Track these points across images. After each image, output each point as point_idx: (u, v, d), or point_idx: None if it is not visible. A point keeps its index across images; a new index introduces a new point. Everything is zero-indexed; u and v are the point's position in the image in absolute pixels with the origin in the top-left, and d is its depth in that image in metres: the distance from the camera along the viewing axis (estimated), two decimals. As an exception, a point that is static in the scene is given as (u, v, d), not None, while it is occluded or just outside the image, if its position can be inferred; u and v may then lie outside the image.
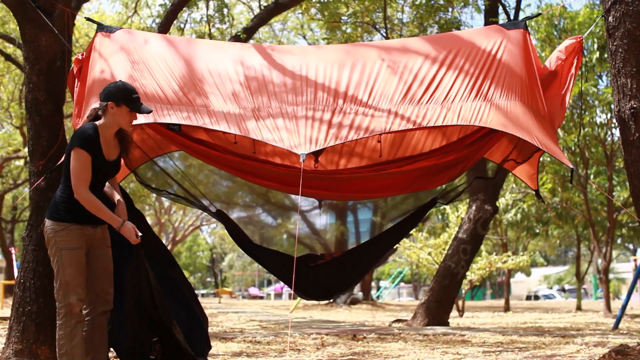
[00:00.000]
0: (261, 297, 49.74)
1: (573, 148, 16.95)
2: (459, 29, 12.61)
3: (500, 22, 12.13)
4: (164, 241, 14.26)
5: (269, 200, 7.39)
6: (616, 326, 11.36)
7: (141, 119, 4.77)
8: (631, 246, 41.57)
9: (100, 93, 4.40)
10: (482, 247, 19.03)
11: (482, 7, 13.41)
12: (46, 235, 4.33)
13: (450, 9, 13.26)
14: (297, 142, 4.56)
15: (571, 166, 4.68)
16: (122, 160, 4.95)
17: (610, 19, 5.27)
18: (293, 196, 6.91)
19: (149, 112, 4.39)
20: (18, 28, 6.02)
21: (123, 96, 4.32)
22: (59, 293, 4.29)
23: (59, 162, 5.11)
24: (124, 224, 4.29)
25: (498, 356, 6.61)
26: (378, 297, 39.83)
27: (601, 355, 5.58)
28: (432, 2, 12.72)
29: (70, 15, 6.04)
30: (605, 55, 13.36)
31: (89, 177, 4.23)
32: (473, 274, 17.82)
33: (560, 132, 15.18)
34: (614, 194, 18.97)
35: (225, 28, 13.38)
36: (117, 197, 4.52)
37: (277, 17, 15.89)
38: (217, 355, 6.47)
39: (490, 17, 12.80)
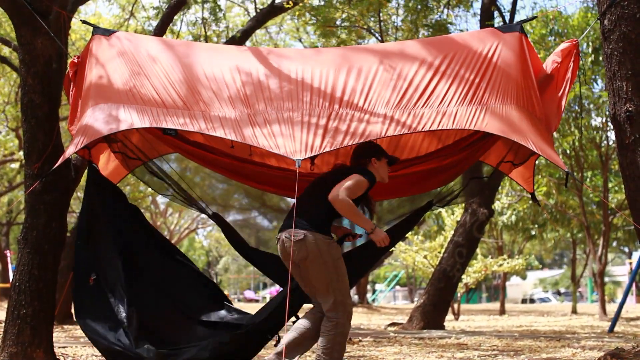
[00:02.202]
0: (257, 300, 49.67)
1: (568, 151, 16.98)
2: (449, 32, 12.63)
3: (496, 25, 12.15)
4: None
5: (264, 203, 7.37)
6: (612, 329, 11.37)
7: (138, 123, 4.78)
8: (626, 249, 41.67)
9: (360, 151, 5.04)
10: (478, 251, 19.05)
11: (474, 11, 13.45)
12: (318, 248, 4.68)
13: (445, 10, 13.29)
14: (293, 149, 4.56)
15: (566, 169, 4.69)
16: (120, 162, 5.14)
17: (606, 22, 5.28)
18: (289, 199, 6.90)
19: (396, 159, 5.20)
20: (14, 30, 6.01)
21: (381, 150, 5.07)
22: (340, 303, 4.69)
23: (55, 165, 5.09)
24: (376, 229, 4.79)
25: None
26: (374, 300, 39.84)
27: (597, 359, 5.58)
28: (426, 2, 12.73)
29: (67, 18, 6.03)
30: (600, 58, 13.38)
31: (357, 197, 4.78)
32: (469, 277, 17.84)
33: (555, 135, 15.20)
34: (608, 196, 19.00)
35: (221, 30, 13.38)
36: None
37: (273, 20, 15.90)
38: (212, 358, 6.44)
39: (486, 20, 12.82)
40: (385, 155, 5.07)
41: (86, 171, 5.66)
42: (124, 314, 5.04)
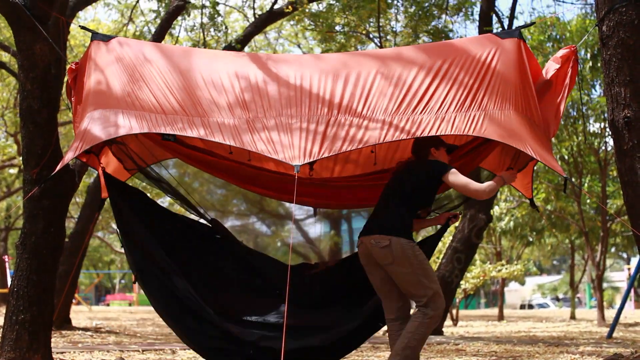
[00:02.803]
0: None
1: (567, 157, 16.98)
2: (449, 38, 12.64)
3: (494, 31, 12.15)
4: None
5: (263, 208, 7.39)
6: (610, 335, 11.36)
7: (136, 128, 4.78)
8: (625, 255, 41.68)
9: (418, 143, 5.10)
10: (476, 256, 19.03)
11: (472, 17, 13.45)
12: (404, 252, 4.75)
13: (443, 16, 13.30)
14: (292, 154, 4.56)
15: (565, 175, 4.69)
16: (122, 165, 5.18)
17: (604, 28, 5.29)
18: (287, 204, 6.91)
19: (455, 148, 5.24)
20: (13, 36, 6.01)
21: (438, 140, 5.08)
22: (432, 299, 4.75)
23: (55, 171, 5.08)
24: (505, 176, 4.92)
25: (492, 365, 6.61)
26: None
27: (595, 364, 5.58)
28: (426, 8, 12.75)
29: (65, 24, 6.03)
30: (599, 64, 13.40)
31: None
32: (467, 283, 17.82)
33: (553, 140, 15.21)
34: (607, 201, 19.00)
35: (219, 36, 13.39)
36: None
37: (271, 25, 15.93)
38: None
39: (484, 26, 12.82)
40: (443, 144, 5.12)
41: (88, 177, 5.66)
42: (194, 301, 5.16)
